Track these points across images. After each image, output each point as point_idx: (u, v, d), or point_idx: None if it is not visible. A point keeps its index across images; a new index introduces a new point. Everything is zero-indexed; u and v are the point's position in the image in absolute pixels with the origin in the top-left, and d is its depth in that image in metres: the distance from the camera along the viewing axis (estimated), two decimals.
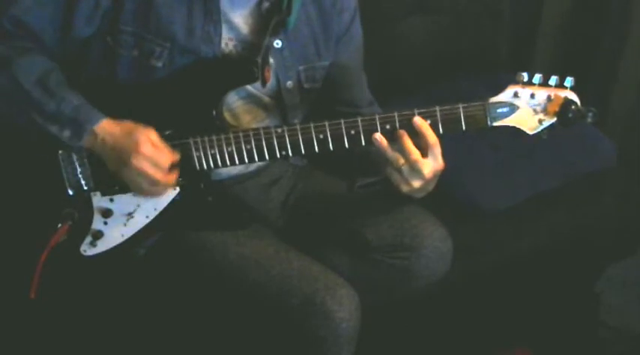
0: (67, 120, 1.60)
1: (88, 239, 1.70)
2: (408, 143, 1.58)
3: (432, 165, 1.59)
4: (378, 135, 1.60)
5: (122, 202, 1.70)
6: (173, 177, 1.63)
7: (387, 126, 1.60)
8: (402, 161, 1.58)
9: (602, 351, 2.52)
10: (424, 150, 1.59)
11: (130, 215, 1.69)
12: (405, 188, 1.62)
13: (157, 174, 1.59)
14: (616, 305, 2.65)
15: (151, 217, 1.70)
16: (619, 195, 2.48)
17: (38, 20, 1.65)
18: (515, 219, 2.31)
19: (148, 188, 1.62)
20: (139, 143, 1.57)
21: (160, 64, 1.68)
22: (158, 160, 1.59)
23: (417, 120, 1.59)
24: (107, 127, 1.60)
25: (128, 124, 1.60)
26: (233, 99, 1.77)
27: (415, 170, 1.58)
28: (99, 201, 1.69)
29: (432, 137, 1.58)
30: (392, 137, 1.60)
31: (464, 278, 2.05)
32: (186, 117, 1.66)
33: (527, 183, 2.36)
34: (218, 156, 1.65)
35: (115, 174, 1.63)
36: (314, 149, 1.63)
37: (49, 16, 1.65)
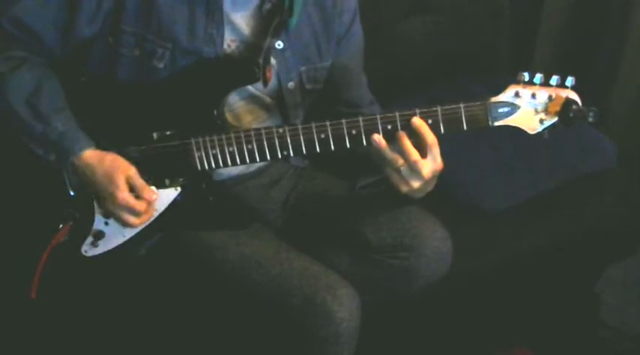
0: (52, 145, 1.61)
1: (89, 239, 1.70)
2: (408, 144, 1.58)
3: (431, 165, 1.59)
4: (377, 136, 1.59)
5: None
6: (151, 212, 1.66)
7: (389, 127, 1.60)
8: (400, 161, 1.58)
9: (602, 351, 2.52)
10: (423, 151, 1.59)
11: None
12: (404, 188, 1.62)
13: (132, 219, 1.64)
14: (616, 305, 2.65)
15: (152, 217, 1.70)
16: (619, 195, 2.47)
17: (39, 21, 1.65)
18: (515, 219, 2.31)
19: (125, 223, 1.66)
20: (117, 192, 1.59)
21: (161, 65, 1.68)
22: (134, 208, 1.61)
23: (416, 120, 1.59)
24: (88, 159, 1.62)
25: (108, 161, 1.61)
26: (234, 100, 1.77)
27: (415, 171, 1.58)
28: None
29: (430, 137, 1.58)
30: (392, 137, 1.60)
31: (464, 278, 2.05)
32: (188, 118, 1.66)
33: (527, 183, 2.35)
34: (219, 156, 1.65)
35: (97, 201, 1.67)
36: (315, 149, 1.63)
37: (50, 17, 1.65)
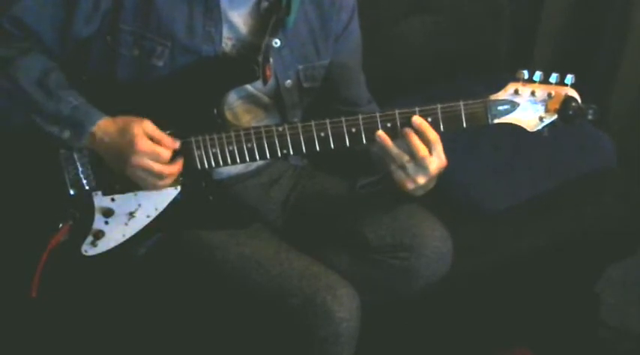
0: (66, 121, 1.60)
1: (89, 238, 1.70)
2: (416, 140, 1.57)
3: (436, 161, 1.59)
4: (381, 133, 1.59)
5: (123, 202, 1.70)
6: (177, 166, 1.63)
7: (388, 125, 1.60)
8: (406, 158, 1.58)
9: (602, 351, 2.52)
10: (427, 148, 1.59)
11: (131, 214, 1.70)
12: (410, 185, 1.62)
13: (159, 167, 1.60)
14: (616, 305, 2.65)
15: (152, 217, 1.70)
16: (619, 195, 2.47)
17: (38, 20, 1.65)
18: (515, 219, 2.31)
19: (154, 182, 1.62)
20: (136, 139, 1.57)
21: (160, 63, 1.68)
22: (158, 154, 1.59)
23: (416, 119, 1.59)
24: (104, 127, 1.60)
25: (123, 120, 1.60)
26: (233, 99, 1.78)
27: (422, 167, 1.58)
28: (100, 200, 1.69)
29: (433, 134, 1.58)
30: (394, 135, 1.59)
31: (464, 278, 2.05)
32: (188, 116, 1.66)
33: (527, 183, 2.35)
34: (219, 155, 1.65)
35: (119, 172, 1.63)
36: (315, 147, 1.63)
37: (49, 16, 1.65)
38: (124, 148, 1.58)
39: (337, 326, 1.63)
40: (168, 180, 1.63)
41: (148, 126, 1.59)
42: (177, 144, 1.62)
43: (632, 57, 2.91)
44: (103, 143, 1.60)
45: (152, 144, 1.58)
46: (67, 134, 1.61)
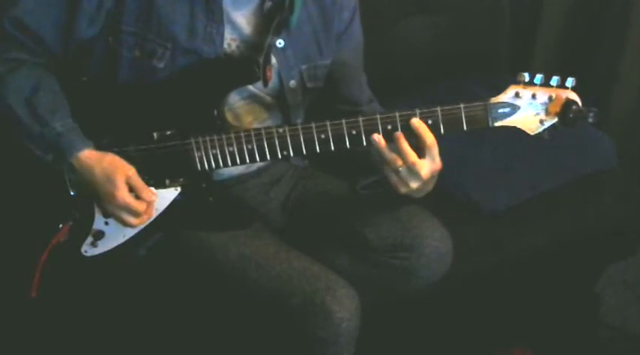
0: (50, 146, 1.60)
1: (89, 239, 1.70)
2: (405, 145, 1.58)
3: (429, 165, 1.59)
4: (377, 136, 1.59)
5: None
6: (150, 213, 1.65)
7: (389, 127, 1.60)
8: (399, 162, 1.58)
9: (602, 351, 2.52)
10: (422, 151, 1.59)
11: None
12: (403, 189, 1.62)
13: (132, 219, 1.63)
14: (616, 305, 2.65)
15: (152, 217, 1.70)
16: (619, 195, 2.48)
17: (40, 22, 1.65)
18: (515, 219, 2.31)
19: (125, 223, 1.64)
20: (115, 190, 1.58)
21: (161, 65, 1.68)
22: (133, 208, 1.60)
23: (415, 121, 1.59)
24: (86, 161, 1.60)
25: (107, 162, 1.60)
26: (235, 100, 1.77)
27: (413, 172, 1.58)
28: None
29: (429, 138, 1.58)
30: (392, 137, 1.59)
31: (464, 278, 2.05)
32: (188, 118, 1.66)
33: (527, 183, 2.35)
34: (219, 156, 1.65)
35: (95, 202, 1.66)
36: (315, 149, 1.63)
37: (51, 18, 1.65)
38: (103, 192, 1.60)
39: (337, 327, 1.63)
40: (139, 223, 1.65)
41: (132, 175, 1.60)
42: (154, 198, 1.63)
43: (632, 57, 2.91)
44: (83, 177, 1.61)
45: (130, 198, 1.59)
46: (50, 157, 1.61)
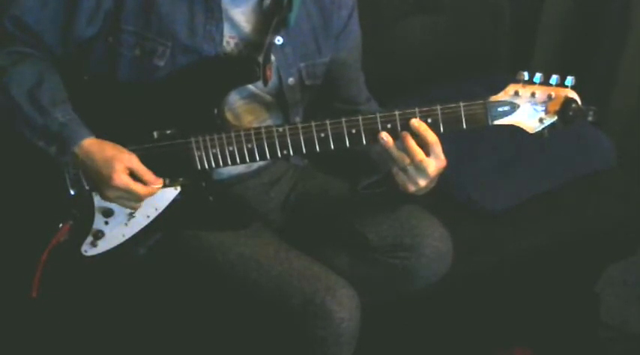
0: (53, 137, 1.60)
1: (89, 239, 1.70)
2: (412, 143, 1.58)
3: (435, 163, 1.59)
4: (385, 135, 1.59)
5: None
6: (153, 190, 1.63)
7: (388, 126, 1.60)
8: (407, 160, 1.58)
9: (602, 351, 2.52)
10: (425, 150, 1.59)
11: (131, 215, 1.69)
12: (411, 188, 1.62)
13: (131, 204, 1.63)
14: (616, 305, 2.65)
15: (152, 217, 1.70)
16: (619, 195, 2.48)
17: (40, 21, 1.65)
18: (515, 219, 2.31)
19: (124, 206, 1.65)
20: (114, 172, 1.57)
21: (161, 63, 1.68)
22: (132, 189, 1.59)
23: (415, 122, 1.58)
24: (88, 149, 1.60)
25: (111, 150, 1.60)
26: (235, 99, 1.77)
27: (420, 169, 1.58)
28: (100, 200, 1.68)
29: (431, 136, 1.58)
30: (394, 136, 1.59)
31: (464, 278, 2.05)
32: (188, 117, 1.66)
33: (527, 183, 2.36)
34: (219, 156, 1.65)
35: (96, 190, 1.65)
36: (315, 148, 1.63)
37: (50, 17, 1.65)
38: (103, 177, 1.59)
39: (337, 327, 1.63)
40: (138, 206, 1.66)
41: (133, 161, 1.60)
42: (160, 181, 1.63)
43: (632, 57, 2.91)
44: (85, 165, 1.61)
45: (127, 180, 1.58)
46: (53, 149, 1.61)
